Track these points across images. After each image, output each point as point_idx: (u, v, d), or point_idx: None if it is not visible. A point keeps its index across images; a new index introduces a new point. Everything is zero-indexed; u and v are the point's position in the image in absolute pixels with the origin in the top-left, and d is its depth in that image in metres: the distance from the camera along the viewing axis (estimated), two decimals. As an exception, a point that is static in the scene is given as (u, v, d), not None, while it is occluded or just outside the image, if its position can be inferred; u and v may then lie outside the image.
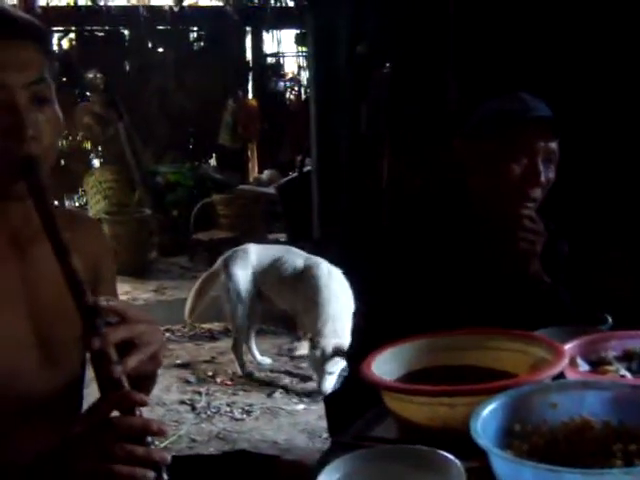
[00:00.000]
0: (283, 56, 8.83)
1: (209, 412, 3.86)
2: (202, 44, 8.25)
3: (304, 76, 8.51)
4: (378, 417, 1.44)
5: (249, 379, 4.27)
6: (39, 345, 1.24)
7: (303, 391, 4.09)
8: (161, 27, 7.82)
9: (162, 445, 1.03)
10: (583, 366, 1.38)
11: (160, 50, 7.97)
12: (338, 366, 3.87)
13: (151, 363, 1.13)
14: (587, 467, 0.98)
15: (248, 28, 8.38)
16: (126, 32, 7.84)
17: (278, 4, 8.03)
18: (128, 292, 5.59)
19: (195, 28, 8.20)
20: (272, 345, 4.79)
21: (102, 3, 7.45)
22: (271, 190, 6.97)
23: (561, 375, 1.28)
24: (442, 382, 1.30)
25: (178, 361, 4.56)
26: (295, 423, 3.73)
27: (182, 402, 3.99)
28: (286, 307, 4.35)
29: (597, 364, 1.39)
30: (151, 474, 0.99)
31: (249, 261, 4.28)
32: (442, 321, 1.56)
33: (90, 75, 7.28)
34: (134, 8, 7.67)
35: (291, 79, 8.82)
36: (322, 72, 5.39)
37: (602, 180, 3.50)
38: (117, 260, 1.51)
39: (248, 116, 7.86)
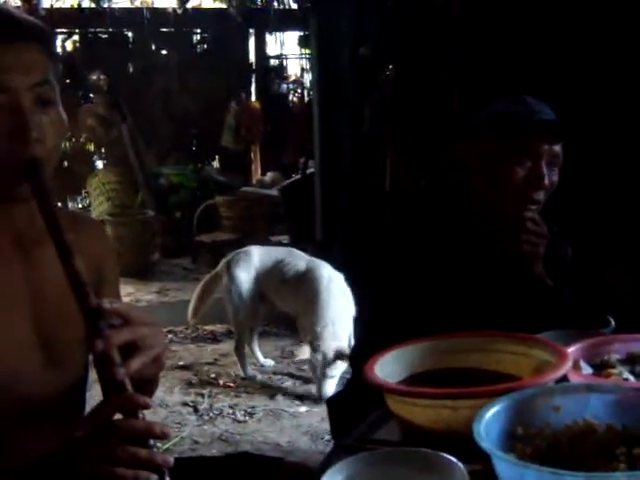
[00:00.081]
0: (286, 58, 8.82)
1: (212, 414, 3.86)
2: (205, 46, 8.25)
3: (307, 78, 8.51)
4: (381, 420, 1.44)
5: (252, 381, 4.27)
6: (42, 347, 1.24)
7: (306, 393, 4.09)
8: (164, 29, 7.82)
9: (164, 447, 1.03)
10: (586, 369, 1.38)
11: (163, 52, 7.97)
12: (339, 370, 3.87)
13: (154, 366, 1.12)
14: (590, 470, 0.98)
15: (251, 30, 8.37)
16: (130, 34, 7.84)
17: (281, 6, 8.03)
18: (131, 293, 5.59)
19: (198, 30, 8.20)
20: (275, 347, 4.79)
21: (106, 5, 7.44)
22: (274, 192, 6.97)
23: (564, 378, 1.28)
24: (445, 385, 1.30)
25: (181, 363, 4.56)
26: (298, 425, 3.73)
27: (185, 404, 3.99)
28: (288, 310, 4.34)
29: (600, 367, 1.39)
30: (154, 477, 0.99)
31: (251, 263, 4.28)
32: (445, 323, 1.56)
33: (94, 77, 7.29)
34: (138, 10, 7.67)
35: (294, 81, 8.82)
36: (325, 74, 5.39)
37: (605, 183, 3.50)
38: (120, 261, 1.51)
39: (251, 118, 7.86)
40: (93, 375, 1.13)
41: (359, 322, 3.37)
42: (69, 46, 7.66)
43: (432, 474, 1.08)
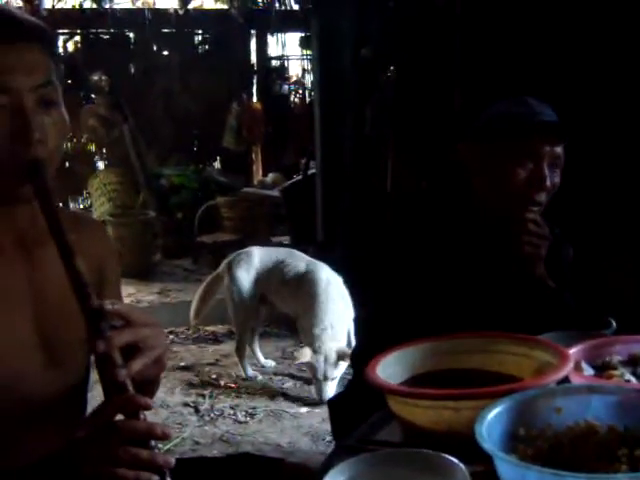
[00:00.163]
0: (287, 59, 8.82)
1: (212, 415, 3.86)
2: (207, 47, 8.25)
3: (308, 79, 8.51)
4: (382, 421, 1.44)
5: (253, 382, 4.27)
6: (44, 347, 1.24)
7: (306, 394, 4.08)
8: (166, 30, 7.82)
9: (165, 448, 1.03)
10: (588, 370, 1.38)
11: (165, 53, 7.97)
12: (339, 371, 3.87)
13: (155, 367, 1.13)
14: (592, 472, 0.98)
15: (253, 31, 8.37)
16: (131, 35, 7.84)
17: (283, 7, 8.03)
18: (132, 294, 5.59)
19: (200, 31, 8.20)
20: (276, 348, 4.79)
21: (107, 6, 7.45)
22: (275, 193, 6.97)
23: (566, 379, 1.28)
24: (447, 386, 1.30)
25: (182, 363, 4.56)
26: (298, 426, 3.73)
27: (186, 404, 3.99)
28: (288, 311, 4.34)
29: (602, 368, 1.39)
30: (155, 478, 1.00)
31: (252, 264, 4.28)
32: (446, 324, 1.55)
33: (95, 77, 7.29)
34: (139, 11, 7.67)
35: (295, 82, 8.82)
36: (327, 75, 5.39)
37: (607, 185, 3.50)
38: (121, 262, 1.51)
39: (252, 119, 7.86)
40: (94, 376, 1.13)
41: (360, 323, 3.37)
42: (70, 47, 7.67)
43: (434, 475, 1.08)
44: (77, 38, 7.70)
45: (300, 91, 8.75)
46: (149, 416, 1.04)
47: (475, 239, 1.84)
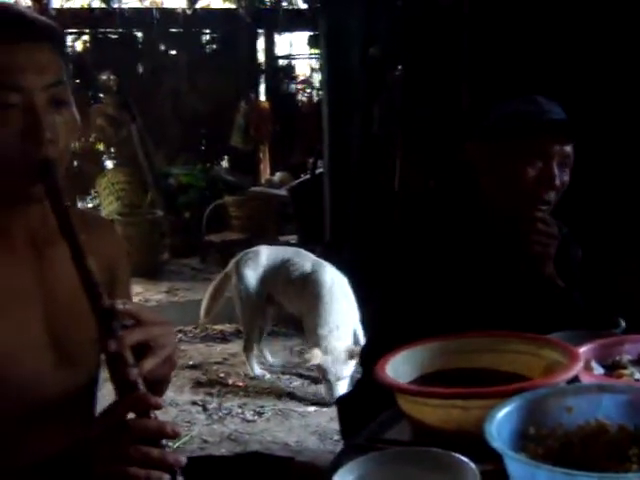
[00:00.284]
0: (295, 58, 8.83)
1: (220, 413, 3.87)
2: (214, 46, 8.26)
3: (316, 78, 8.51)
4: (391, 419, 1.43)
5: (260, 381, 4.28)
6: (54, 347, 1.24)
7: (314, 393, 4.09)
8: (174, 29, 7.83)
9: (174, 446, 1.03)
10: (598, 370, 1.38)
11: (173, 52, 7.99)
12: (349, 370, 3.86)
13: (166, 366, 1.13)
14: (602, 471, 0.98)
15: (260, 30, 8.38)
16: (139, 34, 7.86)
17: (290, 6, 8.04)
18: (140, 293, 5.61)
19: (207, 30, 8.21)
20: (283, 347, 4.80)
21: (115, 5, 7.47)
22: (283, 192, 6.98)
23: (576, 379, 1.28)
24: (456, 385, 1.29)
25: (190, 362, 4.57)
26: (306, 425, 3.73)
27: (194, 403, 4.00)
28: (293, 310, 4.34)
29: (612, 368, 1.39)
30: (166, 476, 1.00)
31: (259, 263, 4.29)
32: (455, 324, 1.55)
33: (103, 77, 7.32)
34: (147, 11, 7.69)
35: (303, 81, 8.82)
36: (335, 74, 5.39)
37: (616, 184, 3.49)
38: (129, 261, 1.51)
39: (260, 118, 7.86)
40: (104, 374, 1.14)
41: (369, 322, 3.37)
42: (79, 46, 7.69)
43: (444, 474, 1.07)
44: (85, 37, 7.72)
45: (308, 90, 8.75)
46: (158, 415, 1.04)
47: (484, 238, 1.83)
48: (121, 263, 1.43)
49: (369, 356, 1.78)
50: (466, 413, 1.20)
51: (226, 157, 8.39)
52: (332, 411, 3.62)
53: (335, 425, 3.04)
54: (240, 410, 3.90)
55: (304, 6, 7.80)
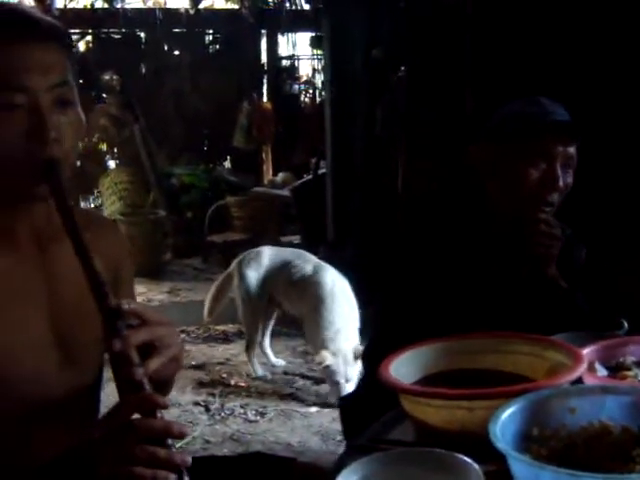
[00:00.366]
0: (298, 59, 8.83)
1: (223, 414, 3.87)
2: (217, 47, 8.26)
3: (319, 79, 8.52)
4: (394, 420, 1.44)
5: (263, 381, 4.28)
6: (59, 346, 1.24)
7: (317, 393, 4.09)
8: (177, 30, 7.84)
9: (176, 446, 1.03)
10: (601, 371, 1.38)
11: (176, 52, 7.99)
12: (356, 370, 3.84)
13: (171, 366, 1.13)
14: (606, 472, 0.98)
15: (263, 31, 8.38)
16: (142, 35, 7.87)
17: (293, 7, 8.04)
18: (142, 293, 5.61)
19: (211, 31, 8.22)
20: (286, 347, 4.80)
21: (119, 6, 7.48)
22: (285, 192, 6.98)
23: (579, 380, 1.28)
24: (459, 385, 1.30)
25: (192, 362, 4.57)
26: (309, 425, 3.73)
27: (196, 403, 4.00)
28: (294, 312, 4.33)
29: (615, 369, 1.39)
30: (172, 476, 0.99)
31: (261, 263, 4.29)
32: (459, 325, 1.55)
33: (106, 77, 7.32)
34: (150, 11, 7.70)
35: (306, 82, 8.83)
36: (338, 75, 5.40)
37: (619, 185, 3.49)
38: (132, 261, 1.52)
39: (263, 118, 7.87)
40: (107, 374, 1.14)
41: (372, 323, 3.36)
42: (82, 46, 7.70)
43: (447, 474, 1.08)
44: (89, 38, 7.74)
45: (310, 91, 8.75)
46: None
47: (487, 239, 1.83)
48: (125, 263, 1.43)
49: (372, 357, 1.78)
50: (470, 414, 1.20)
51: (229, 157, 8.39)
52: (334, 412, 3.62)
53: (337, 426, 3.04)
54: (242, 410, 3.90)
55: (307, 7, 7.81)
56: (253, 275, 4.25)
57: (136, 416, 1.02)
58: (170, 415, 3.71)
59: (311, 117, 7.89)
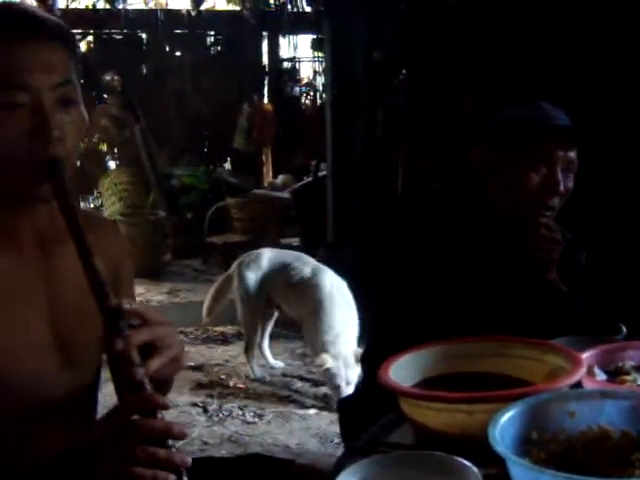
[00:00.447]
0: (299, 61, 8.84)
1: (221, 415, 3.87)
2: (219, 48, 8.27)
3: (319, 81, 8.52)
4: (393, 423, 1.43)
5: (261, 383, 4.27)
6: (59, 348, 1.24)
7: (315, 395, 4.09)
8: (178, 31, 7.85)
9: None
10: (600, 375, 1.38)
11: (177, 54, 8.00)
12: (357, 373, 3.84)
13: (172, 366, 1.12)
14: (605, 477, 0.98)
15: (265, 33, 8.39)
16: (144, 35, 7.88)
17: (295, 9, 8.05)
18: (141, 294, 5.61)
19: (212, 32, 8.23)
20: (285, 349, 4.79)
21: (120, 6, 7.49)
22: (285, 194, 6.98)
23: (578, 384, 1.28)
24: (459, 389, 1.30)
25: (191, 363, 4.56)
26: (307, 428, 3.73)
27: (194, 404, 3.99)
28: (293, 314, 4.33)
29: (614, 374, 1.39)
30: (172, 477, 1.00)
31: (261, 265, 4.29)
32: (458, 328, 1.55)
33: (107, 78, 7.33)
34: (152, 12, 7.71)
35: (307, 84, 8.83)
36: (339, 78, 5.39)
37: (620, 190, 3.49)
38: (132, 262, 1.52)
39: (263, 120, 7.87)
40: (104, 374, 1.13)
41: (371, 325, 3.36)
42: (83, 47, 7.70)
43: (447, 477, 1.08)
44: (90, 38, 7.74)
45: (311, 93, 8.76)
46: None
47: (487, 243, 1.83)
48: (125, 264, 1.43)
49: (371, 359, 1.78)
50: (469, 417, 1.20)
51: (229, 159, 8.40)
52: (333, 414, 3.62)
53: (336, 428, 3.04)
54: (241, 412, 3.90)
55: (308, 9, 7.82)
56: (252, 277, 4.25)
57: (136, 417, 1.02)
58: (168, 416, 3.69)
59: (311, 119, 7.90)
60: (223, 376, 4.39)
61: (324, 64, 6.68)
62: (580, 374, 1.28)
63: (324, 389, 4.05)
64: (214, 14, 8.04)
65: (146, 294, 5.71)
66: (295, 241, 6.51)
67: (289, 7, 8.02)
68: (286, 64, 8.78)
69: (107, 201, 7.22)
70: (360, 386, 2.24)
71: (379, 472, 1.12)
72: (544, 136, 1.76)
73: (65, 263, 1.22)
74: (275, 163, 8.36)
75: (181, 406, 3.94)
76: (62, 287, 1.25)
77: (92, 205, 7.89)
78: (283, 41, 8.62)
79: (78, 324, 1.24)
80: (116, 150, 7.79)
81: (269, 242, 5.40)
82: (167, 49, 7.95)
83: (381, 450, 1.26)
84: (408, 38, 4.76)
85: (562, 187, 1.76)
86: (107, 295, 1.06)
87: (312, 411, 3.91)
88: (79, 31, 7.55)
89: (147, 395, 1.02)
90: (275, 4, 8.10)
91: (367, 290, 4.05)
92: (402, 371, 1.39)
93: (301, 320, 4.20)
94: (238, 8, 8.04)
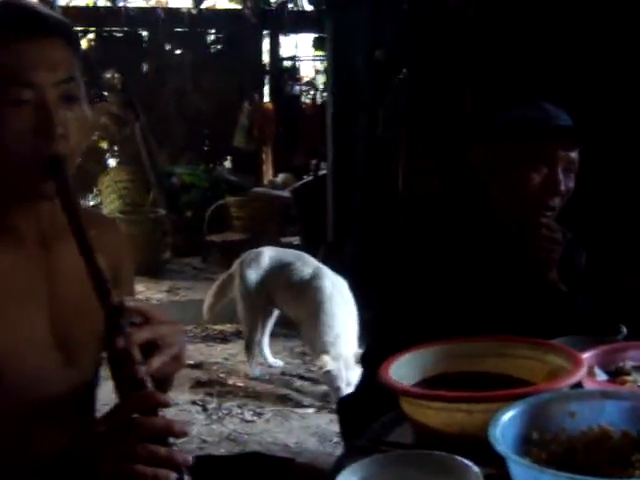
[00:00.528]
0: (300, 60, 8.83)
1: (220, 413, 3.87)
2: (219, 47, 8.26)
3: (320, 80, 8.52)
4: (393, 422, 1.44)
5: (260, 381, 4.27)
6: (59, 346, 1.24)
7: (314, 394, 4.09)
8: (179, 29, 7.83)
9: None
10: (601, 376, 1.38)
11: (177, 52, 7.99)
12: (357, 374, 3.82)
13: (173, 364, 1.12)
14: (606, 477, 0.98)
15: (265, 31, 8.38)
16: (144, 33, 7.86)
17: (296, 8, 8.05)
18: (141, 292, 5.60)
19: (213, 31, 8.21)
20: (284, 348, 4.79)
21: (121, 4, 7.49)
22: (285, 193, 6.98)
23: (579, 385, 1.28)
24: (459, 388, 1.30)
25: (190, 362, 4.56)
26: (306, 426, 3.73)
27: (193, 403, 3.99)
28: (291, 315, 4.31)
29: (615, 374, 1.39)
30: (173, 475, 0.99)
31: (261, 264, 4.28)
32: (459, 327, 1.56)
33: (108, 75, 7.33)
34: (153, 10, 7.70)
35: (307, 83, 8.83)
36: (340, 76, 5.40)
37: (621, 190, 3.49)
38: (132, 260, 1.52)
39: (264, 119, 7.87)
40: (104, 372, 1.13)
41: (371, 325, 3.36)
42: (84, 44, 7.69)
43: (447, 477, 1.08)
44: (91, 36, 7.73)
45: (312, 92, 8.75)
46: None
47: (488, 242, 1.83)
48: (125, 262, 1.43)
49: (371, 359, 1.78)
50: (470, 417, 1.20)
51: (229, 157, 8.39)
52: (332, 413, 3.62)
53: (335, 427, 3.04)
54: (240, 410, 3.90)
55: (309, 8, 7.81)
56: (253, 275, 4.25)
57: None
58: (167, 414, 3.71)
59: (312, 118, 7.89)
60: (222, 374, 4.39)
61: (325, 63, 6.67)
62: (581, 374, 1.28)
63: (323, 388, 4.05)
64: (215, 12, 8.03)
65: (145, 292, 5.70)
66: (295, 240, 6.51)
67: (290, 6, 8.02)
68: (287, 63, 8.78)
69: (107, 199, 7.21)
70: (360, 385, 2.23)
71: (379, 471, 1.12)
72: (546, 136, 1.76)
73: (66, 260, 1.22)
74: (275, 162, 8.35)
75: (180, 404, 3.94)
76: (63, 284, 1.25)
77: (91, 203, 7.87)
78: (284, 40, 8.61)
79: (79, 322, 1.24)
80: (116, 148, 7.77)
81: (269, 241, 5.39)
82: (168, 47, 7.94)
83: (381, 449, 1.26)
84: (410, 37, 4.76)
85: (563, 187, 1.76)
86: (109, 292, 1.06)
87: (311, 410, 3.91)
88: (80, 28, 7.54)
89: (148, 393, 1.02)
90: (276, 3, 8.10)
91: (367, 290, 4.06)
92: (402, 370, 1.39)
93: (299, 320, 4.19)
94: (239, 6, 8.04)
